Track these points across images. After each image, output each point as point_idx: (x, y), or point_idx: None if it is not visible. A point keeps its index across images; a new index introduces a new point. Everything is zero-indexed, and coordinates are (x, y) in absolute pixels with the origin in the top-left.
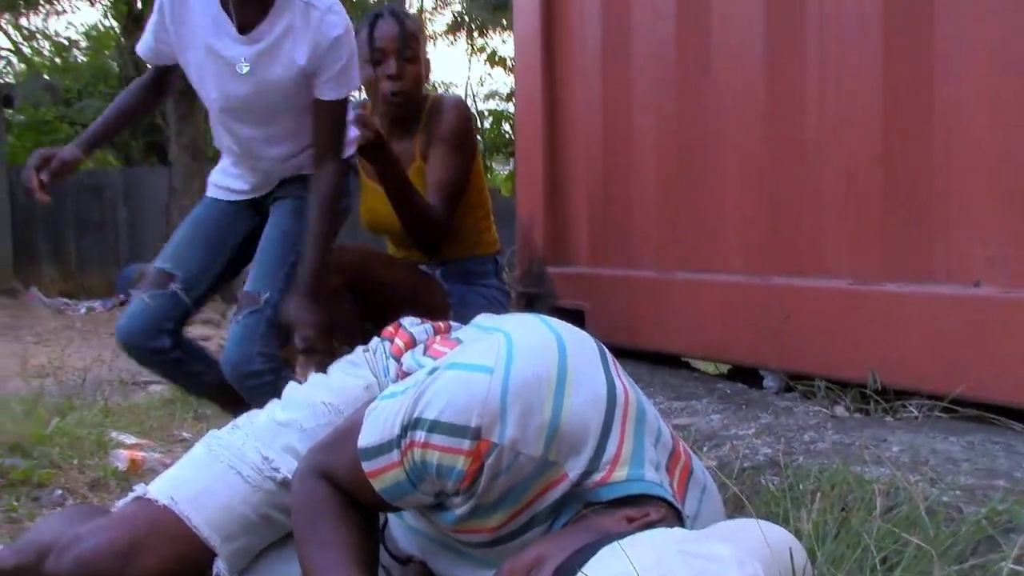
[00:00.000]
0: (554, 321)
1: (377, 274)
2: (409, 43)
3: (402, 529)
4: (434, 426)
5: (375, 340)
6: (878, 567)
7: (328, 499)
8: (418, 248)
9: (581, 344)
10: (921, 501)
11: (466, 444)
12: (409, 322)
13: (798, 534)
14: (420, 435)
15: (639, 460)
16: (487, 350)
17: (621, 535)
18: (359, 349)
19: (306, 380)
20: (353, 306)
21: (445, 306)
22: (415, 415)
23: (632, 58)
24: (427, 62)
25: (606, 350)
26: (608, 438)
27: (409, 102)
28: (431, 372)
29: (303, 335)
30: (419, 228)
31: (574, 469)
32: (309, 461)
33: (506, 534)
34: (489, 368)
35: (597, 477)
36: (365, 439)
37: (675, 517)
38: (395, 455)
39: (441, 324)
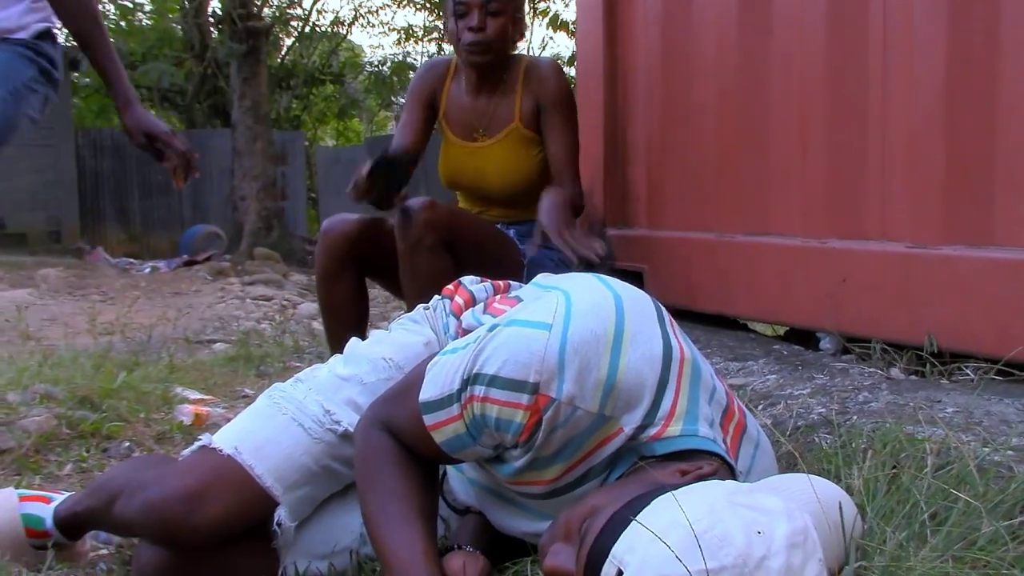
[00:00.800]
0: (612, 280)
1: (468, 232)
2: None
3: (460, 481)
4: (493, 381)
5: (436, 298)
6: (927, 522)
7: (390, 451)
8: None
9: (638, 303)
10: (972, 460)
11: (524, 399)
12: (469, 280)
13: (849, 490)
14: (480, 390)
15: (693, 416)
16: (546, 308)
17: (674, 487)
18: (420, 306)
19: None
20: (450, 261)
21: (520, 266)
22: (475, 370)
23: (692, 22)
24: (519, 20)
25: (663, 309)
26: (664, 394)
27: (491, 56)
28: (491, 329)
29: None
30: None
31: (629, 424)
32: (373, 413)
33: (562, 486)
34: (548, 325)
35: (652, 432)
36: (426, 393)
37: (727, 471)
38: (455, 409)
39: (501, 283)
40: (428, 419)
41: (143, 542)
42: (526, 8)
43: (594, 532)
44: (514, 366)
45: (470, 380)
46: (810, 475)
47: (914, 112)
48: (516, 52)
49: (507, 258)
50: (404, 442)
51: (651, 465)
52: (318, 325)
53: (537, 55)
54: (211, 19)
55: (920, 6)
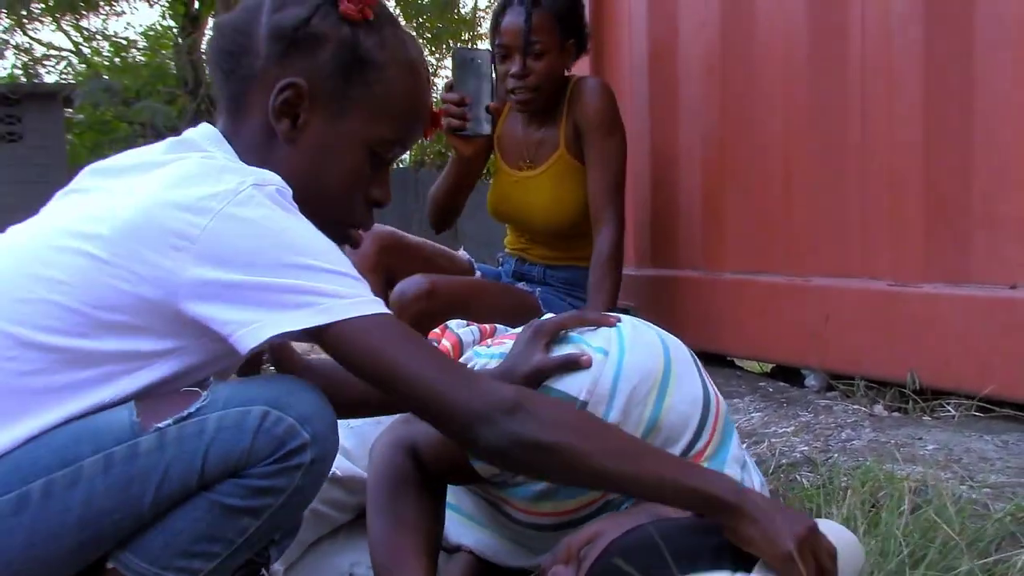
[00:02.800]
0: (653, 325)
1: (474, 308)
2: (538, 35)
3: (454, 522)
4: (544, 390)
5: None
6: (906, 561)
7: (410, 478)
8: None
9: (679, 347)
10: (950, 498)
11: None
12: (456, 324)
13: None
14: None
15: (723, 456)
16: (602, 336)
17: (675, 519)
18: None
19: None
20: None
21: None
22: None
23: (677, 66)
24: (569, 47)
25: (695, 356)
26: (701, 435)
27: (537, 97)
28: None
29: None
30: None
31: None
32: (394, 433)
33: (577, 519)
34: (604, 351)
35: None
36: None
37: None
38: None
39: (487, 327)
40: None
41: None
42: (585, 16)
43: (591, 558)
44: (567, 381)
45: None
46: (826, 519)
47: (893, 152)
48: (571, 73)
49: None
50: (426, 459)
51: None
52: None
53: (587, 76)
54: (204, 55)
55: (897, 46)
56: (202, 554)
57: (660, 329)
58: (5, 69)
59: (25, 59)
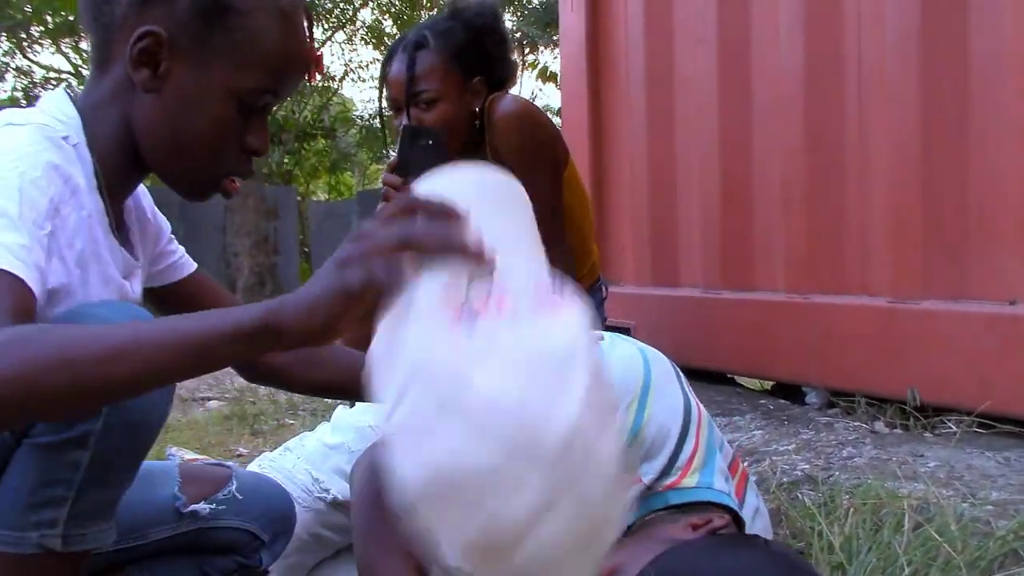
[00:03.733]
0: (632, 339)
1: None
2: (424, 83)
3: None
4: None
5: None
6: None
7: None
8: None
9: (659, 360)
10: (952, 516)
11: None
12: None
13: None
14: None
15: (710, 470)
16: None
17: (688, 543)
18: None
19: None
20: None
21: None
22: None
23: (675, 84)
24: (470, 86)
25: (678, 368)
26: (683, 447)
27: (447, 142)
28: None
29: None
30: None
31: (647, 474)
32: (373, 457)
33: None
34: None
35: (668, 481)
36: None
37: (737, 525)
38: None
39: None
40: None
41: None
42: (502, 43)
43: None
44: None
45: None
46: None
47: (891, 169)
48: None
49: None
50: None
51: (662, 520)
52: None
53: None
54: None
55: (894, 63)
56: (47, 502)
57: (641, 343)
58: (5, 92)
59: (25, 82)
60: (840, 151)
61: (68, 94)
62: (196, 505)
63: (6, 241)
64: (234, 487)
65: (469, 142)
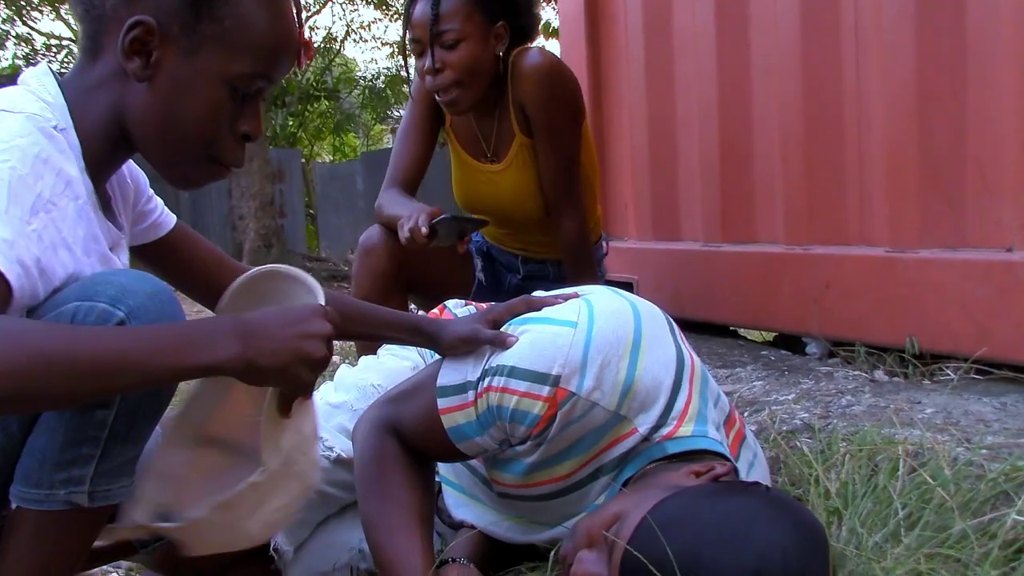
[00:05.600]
0: (624, 292)
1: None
2: (448, 23)
3: (454, 497)
4: (513, 372)
5: None
6: (902, 523)
7: (394, 456)
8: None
9: (651, 312)
10: (946, 460)
11: (545, 391)
12: (454, 304)
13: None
14: (499, 380)
15: (704, 419)
16: (570, 309)
17: (691, 489)
18: None
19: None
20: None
21: (468, 287)
22: (497, 361)
23: (673, 37)
24: (495, 31)
25: (671, 319)
26: (677, 397)
27: (463, 94)
28: (516, 324)
29: None
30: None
31: (643, 424)
32: (377, 414)
33: (574, 483)
34: (573, 323)
35: (665, 431)
36: (444, 378)
37: (734, 473)
38: (470, 396)
39: (483, 306)
40: (442, 403)
41: (145, 568)
42: None
43: (625, 537)
44: (538, 359)
45: (490, 371)
46: None
47: (888, 119)
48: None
49: (455, 280)
50: (409, 439)
51: (663, 468)
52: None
53: (527, 48)
54: None
55: (890, 13)
56: (75, 460)
57: (633, 297)
58: (6, 60)
59: (26, 49)
60: (838, 103)
61: (52, 72)
62: None
63: None
64: None
65: (492, 92)
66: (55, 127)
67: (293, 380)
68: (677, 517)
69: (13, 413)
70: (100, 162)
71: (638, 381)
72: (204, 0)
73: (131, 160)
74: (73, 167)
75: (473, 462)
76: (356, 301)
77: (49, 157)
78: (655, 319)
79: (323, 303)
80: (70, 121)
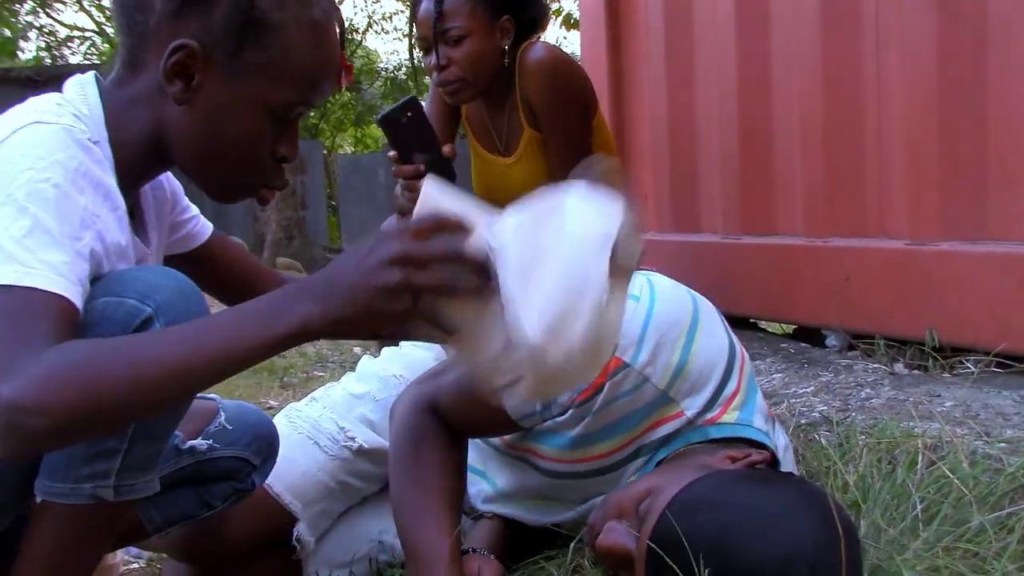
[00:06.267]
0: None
1: None
2: (452, 20)
3: (476, 487)
4: None
5: None
6: (920, 516)
7: (432, 437)
8: None
9: (706, 302)
10: (965, 454)
11: None
12: None
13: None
14: None
15: (751, 408)
16: (634, 284)
17: (727, 472)
18: None
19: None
20: None
21: None
22: None
23: (693, 28)
24: (499, 27)
25: (721, 313)
26: (727, 383)
27: (469, 89)
28: None
29: None
30: None
31: (691, 408)
32: (417, 392)
33: (612, 464)
34: (636, 296)
35: (710, 415)
36: None
37: (772, 464)
38: None
39: None
40: None
41: (170, 557)
42: None
43: (657, 512)
44: None
45: None
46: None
47: (909, 110)
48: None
49: None
50: (453, 414)
51: (699, 449)
52: None
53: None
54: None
55: (911, 2)
56: (101, 454)
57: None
58: (30, 52)
59: (49, 41)
60: (858, 94)
61: (97, 82)
62: (193, 441)
63: (49, 259)
64: (223, 418)
65: (498, 86)
66: (89, 139)
67: (383, 320)
68: (710, 498)
69: (108, 435)
70: (134, 176)
71: (691, 363)
72: (250, 28)
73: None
74: (110, 178)
75: (508, 439)
76: None
77: (88, 170)
78: (708, 307)
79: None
80: (105, 134)
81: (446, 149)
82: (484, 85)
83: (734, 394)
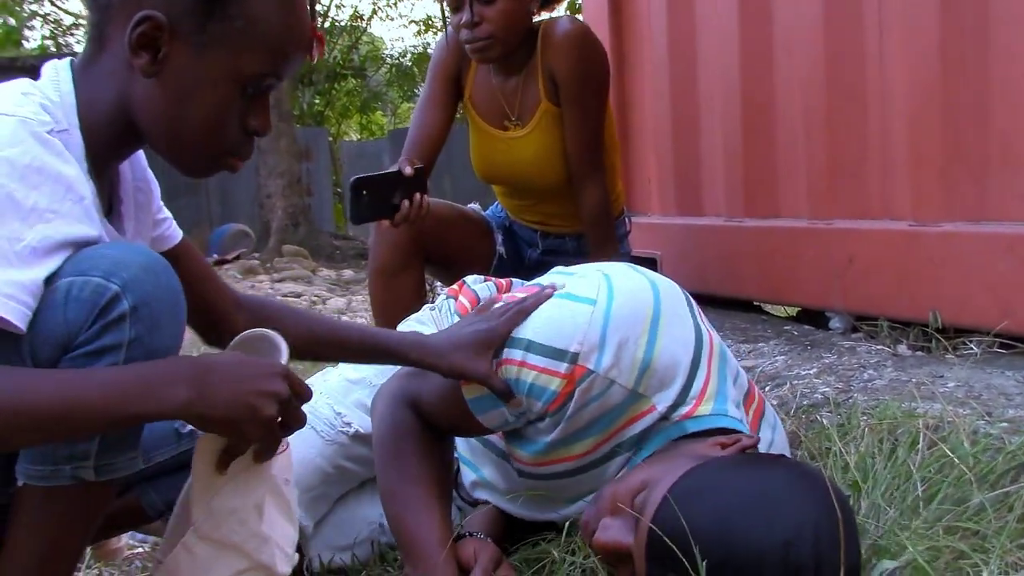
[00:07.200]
0: (642, 268)
1: (438, 240)
2: None
3: (469, 478)
4: (531, 346)
5: (441, 298)
6: (920, 495)
7: (413, 431)
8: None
9: (671, 290)
10: (966, 433)
11: (563, 367)
12: (473, 280)
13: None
14: (518, 354)
15: (723, 397)
16: (589, 285)
17: (720, 459)
18: (426, 307)
19: None
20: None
21: (489, 258)
22: (516, 334)
23: (696, 11)
24: None
25: (690, 297)
26: (696, 375)
27: (496, 49)
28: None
29: None
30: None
31: (662, 402)
32: (394, 389)
33: (589, 462)
34: (592, 300)
35: (684, 410)
36: None
37: (756, 448)
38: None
39: (503, 282)
40: None
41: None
42: None
43: (655, 503)
44: (556, 334)
45: (509, 343)
46: None
47: (911, 92)
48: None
49: (475, 254)
50: (429, 413)
51: (689, 440)
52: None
53: (557, 16)
54: None
55: None
56: None
57: (654, 274)
58: (35, 40)
59: (54, 29)
60: (860, 76)
61: (72, 67)
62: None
63: None
64: None
65: (520, 54)
66: (51, 130)
67: (239, 435)
68: (707, 486)
69: None
70: (106, 155)
71: (656, 359)
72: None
73: (148, 169)
74: (73, 169)
75: (492, 438)
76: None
77: (44, 165)
78: (674, 297)
79: (285, 363)
80: (75, 119)
81: (407, 170)
82: (513, 46)
83: (705, 383)
